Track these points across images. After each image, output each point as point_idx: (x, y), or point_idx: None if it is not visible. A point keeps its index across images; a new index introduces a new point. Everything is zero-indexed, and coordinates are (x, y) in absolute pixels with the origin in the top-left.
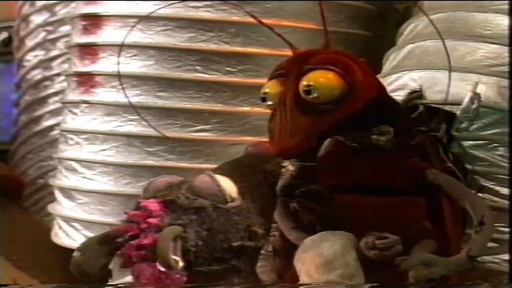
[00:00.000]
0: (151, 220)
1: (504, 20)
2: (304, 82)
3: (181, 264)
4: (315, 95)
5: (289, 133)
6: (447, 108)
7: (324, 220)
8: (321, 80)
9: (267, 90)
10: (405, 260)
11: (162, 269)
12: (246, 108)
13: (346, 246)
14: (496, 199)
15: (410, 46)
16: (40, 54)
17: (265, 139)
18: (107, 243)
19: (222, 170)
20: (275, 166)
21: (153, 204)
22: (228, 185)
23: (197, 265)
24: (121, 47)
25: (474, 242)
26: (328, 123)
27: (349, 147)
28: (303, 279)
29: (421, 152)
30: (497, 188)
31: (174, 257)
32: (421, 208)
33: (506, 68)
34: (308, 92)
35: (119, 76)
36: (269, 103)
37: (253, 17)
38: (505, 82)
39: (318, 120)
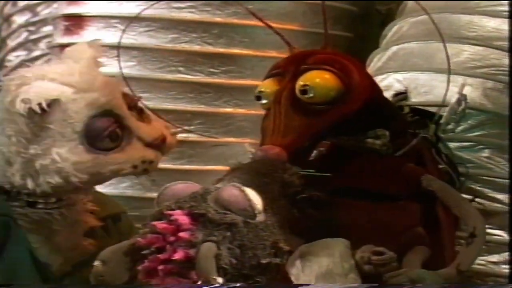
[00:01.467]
0: (182, 234)
1: (489, 22)
2: (300, 82)
3: (221, 281)
4: (311, 95)
5: (282, 133)
6: (433, 109)
7: (323, 226)
8: (318, 80)
9: (262, 89)
10: (394, 277)
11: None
12: (229, 109)
13: (345, 255)
14: (482, 201)
15: (395, 47)
16: (22, 54)
17: (247, 140)
18: (132, 255)
19: (240, 178)
20: (293, 176)
21: (182, 217)
22: (256, 199)
23: (226, 282)
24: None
25: (464, 255)
26: (323, 123)
27: (344, 151)
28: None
29: (416, 155)
30: (484, 190)
31: (216, 277)
32: (415, 214)
33: (491, 70)
34: (304, 92)
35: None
36: (264, 102)
37: (258, 17)
38: (490, 84)
39: (312, 120)
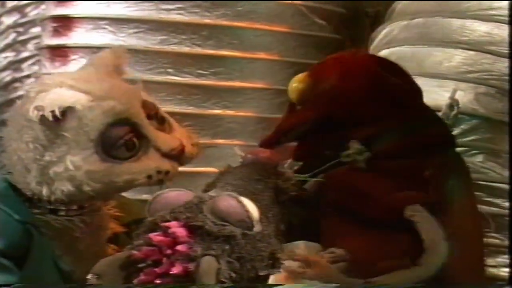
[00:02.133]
0: (179, 247)
1: (480, 27)
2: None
3: None
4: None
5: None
6: None
7: (307, 226)
8: (294, 84)
9: None
10: None
11: None
12: (218, 111)
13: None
14: (478, 205)
15: (386, 51)
16: (10, 55)
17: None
18: (127, 267)
19: (233, 185)
20: (287, 182)
21: (179, 229)
22: (253, 209)
23: None
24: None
25: (417, 269)
26: (292, 122)
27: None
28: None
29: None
30: (479, 194)
31: None
32: (399, 245)
33: (483, 75)
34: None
35: None
36: None
37: None
38: (482, 89)
39: (287, 118)
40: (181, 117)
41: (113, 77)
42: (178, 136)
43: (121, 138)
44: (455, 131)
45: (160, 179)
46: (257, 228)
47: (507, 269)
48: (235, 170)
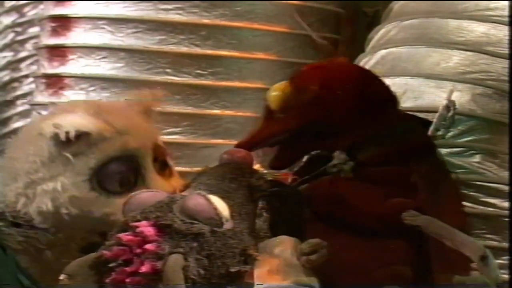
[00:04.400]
0: (148, 246)
1: (478, 27)
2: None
3: None
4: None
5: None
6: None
7: (288, 221)
8: (275, 92)
9: None
10: None
11: None
12: (216, 111)
13: (295, 252)
14: (475, 206)
15: (383, 51)
16: (8, 55)
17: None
18: (98, 268)
19: (206, 185)
20: (260, 180)
21: (148, 229)
22: (222, 206)
23: None
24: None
25: (489, 276)
26: (274, 129)
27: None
28: (256, 281)
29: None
30: (476, 195)
31: None
32: (395, 253)
33: (480, 75)
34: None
35: None
36: None
37: None
38: (479, 89)
39: (267, 124)
40: (180, 117)
41: (139, 116)
42: (173, 184)
43: (120, 173)
44: (452, 132)
45: None
46: (227, 225)
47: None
48: (210, 170)
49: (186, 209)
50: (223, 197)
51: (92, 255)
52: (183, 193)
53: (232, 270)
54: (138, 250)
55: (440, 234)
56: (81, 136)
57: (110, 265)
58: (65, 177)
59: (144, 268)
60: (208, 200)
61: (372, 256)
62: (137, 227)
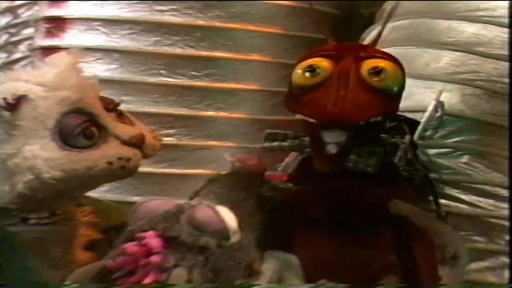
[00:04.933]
0: (153, 258)
1: (468, 28)
2: (371, 63)
3: None
4: (383, 76)
5: (350, 103)
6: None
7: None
8: (389, 65)
9: (315, 63)
10: None
11: None
12: (211, 113)
13: (284, 269)
14: (461, 206)
15: None
16: (2, 57)
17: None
18: (102, 279)
19: (217, 194)
20: (271, 190)
21: (153, 240)
22: (230, 218)
23: None
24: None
25: (450, 278)
26: (388, 107)
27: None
28: None
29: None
30: (463, 196)
31: None
32: (387, 243)
33: (470, 76)
34: (376, 73)
35: None
36: (318, 71)
37: None
38: (469, 90)
39: (380, 100)
40: (174, 119)
41: (68, 72)
42: (140, 128)
43: (77, 126)
44: (440, 133)
45: (122, 166)
46: (235, 237)
47: (491, 273)
48: (221, 178)
49: (194, 221)
50: (232, 208)
51: (96, 264)
52: (192, 202)
53: (237, 283)
54: (143, 261)
55: (422, 223)
56: (21, 100)
57: (114, 275)
58: (30, 144)
59: (147, 280)
60: (217, 212)
61: (369, 249)
62: (143, 238)
